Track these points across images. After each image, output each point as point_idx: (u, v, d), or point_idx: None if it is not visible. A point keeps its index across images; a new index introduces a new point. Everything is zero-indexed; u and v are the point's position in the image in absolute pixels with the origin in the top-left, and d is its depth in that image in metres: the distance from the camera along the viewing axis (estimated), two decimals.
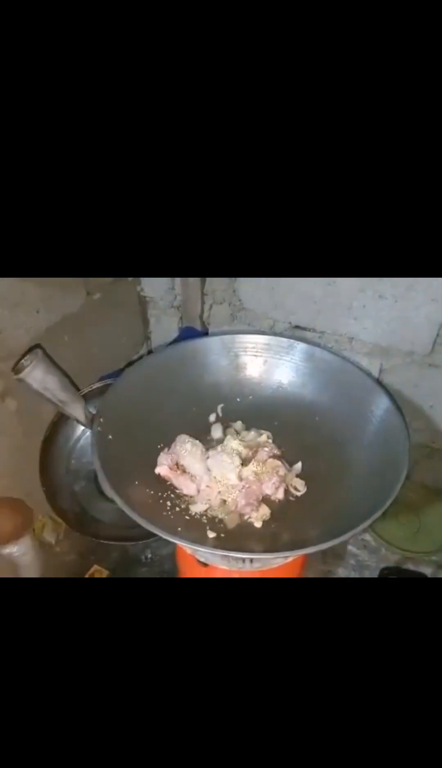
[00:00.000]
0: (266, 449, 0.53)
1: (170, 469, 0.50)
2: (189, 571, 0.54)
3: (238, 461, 0.51)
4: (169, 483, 0.51)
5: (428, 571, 0.80)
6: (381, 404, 0.52)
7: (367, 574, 0.79)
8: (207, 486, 0.49)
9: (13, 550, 0.63)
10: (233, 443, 0.53)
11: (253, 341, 0.62)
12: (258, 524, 0.49)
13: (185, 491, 0.50)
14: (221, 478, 0.50)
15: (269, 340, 0.61)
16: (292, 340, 0.61)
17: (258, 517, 0.49)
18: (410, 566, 0.80)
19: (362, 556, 0.82)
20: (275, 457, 0.53)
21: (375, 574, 0.78)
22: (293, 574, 0.57)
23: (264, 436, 0.56)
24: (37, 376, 0.52)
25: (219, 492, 0.49)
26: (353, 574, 0.79)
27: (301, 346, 0.61)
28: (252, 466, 0.52)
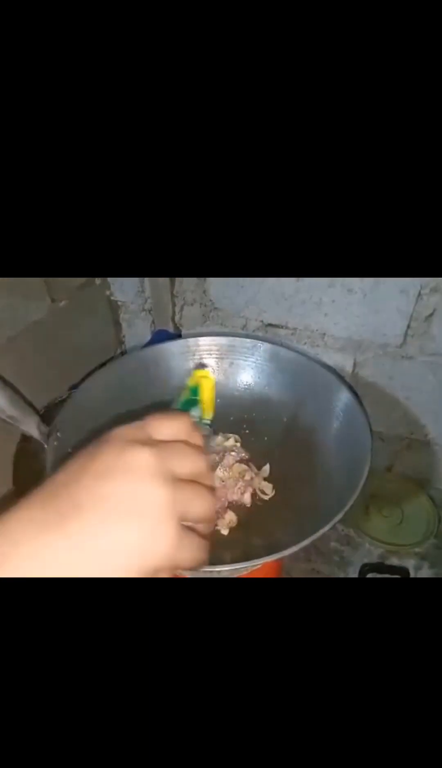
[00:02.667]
0: (233, 453, 0.53)
1: None
2: None
3: None
4: None
5: (411, 563, 0.79)
6: (344, 400, 0.52)
7: (350, 571, 0.78)
8: None
9: None
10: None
11: (217, 343, 0.61)
12: (225, 532, 0.48)
13: None
14: None
15: (233, 342, 0.60)
16: (255, 341, 0.60)
17: (224, 525, 0.48)
18: (395, 560, 0.80)
19: (346, 552, 0.82)
20: (242, 461, 0.53)
21: (358, 570, 0.77)
22: (272, 575, 0.56)
23: (232, 440, 0.55)
24: None
25: None
26: (337, 571, 0.79)
27: (265, 346, 0.60)
28: (218, 472, 0.51)
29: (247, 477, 0.51)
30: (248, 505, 0.51)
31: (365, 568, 0.75)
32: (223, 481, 0.50)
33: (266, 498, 0.52)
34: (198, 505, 0.25)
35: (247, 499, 0.50)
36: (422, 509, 0.86)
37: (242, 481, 0.50)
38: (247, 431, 0.57)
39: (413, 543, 0.81)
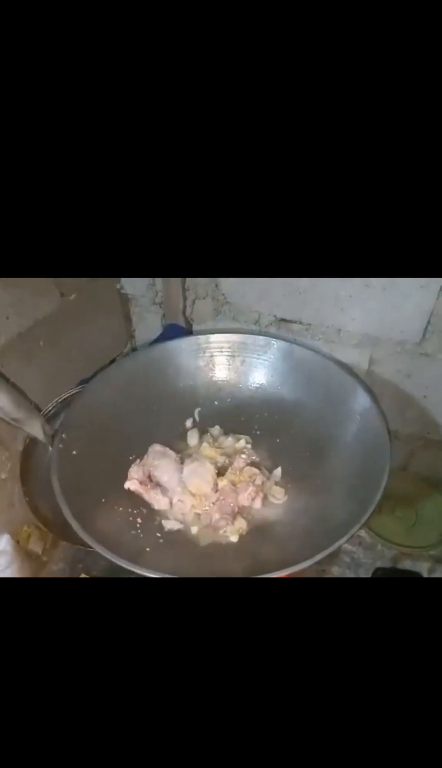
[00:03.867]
0: (243, 456, 0.51)
1: (141, 483, 0.48)
2: None
3: (213, 471, 0.49)
4: (141, 498, 0.49)
5: (425, 567, 0.78)
6: (362, 403, 0.50)
7: (361, 573, 0.77)
8: (179, 500, 0.47)
9: None
10: (208, 451, 0.51)
11: (229, 341, 0.59)
12: (234, 539, 0.47)
13: (156, 506, 0.48)
14: (195, 490, 0.48)
15: (245, 339, 0.59)
16: (269, 338, 0.58)
17: (234, 531, 0.47)
18: (408, 563, 0.78)
19: (358, 553, 0.80)
20: (252, 464, 0.51)
21: (370, 573, 0.76)
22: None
23: (242, 441, 0.54)
24: None
25: (193, 506, 0.47)
26: (348, 573, 0.77)
27: (279, 344, 0.58)
28: (229, 475, 0.49)
29: (258, 481, 0.49)
30: (259, 510, 0.49)
31: (377, 573, 0.73)
32: (233, 485, 0.48)
33: (278, 503, 0.50)
34: None
35: (257, 504, 0.49)
36: (436, 510, 0.84)
37: (252, 486, 0.48)
38: (258, 432, 0.55)
39: (428, 545, 0.79)
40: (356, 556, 0.79)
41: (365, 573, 0.77)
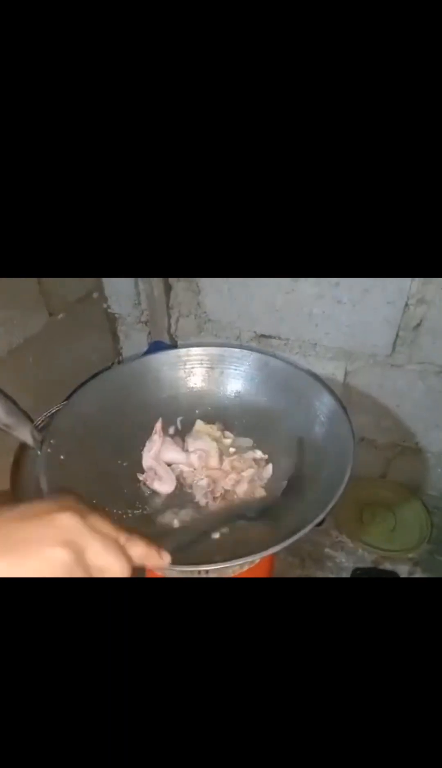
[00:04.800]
0: (257, 454, 0.55)
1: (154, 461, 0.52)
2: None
3: (216, 446, 0.53)
4: (135, 494, 0.52)
5: (404, 569, 0.80)
6: (327, 404, 0.53)
7: (344, 576, 0.79)
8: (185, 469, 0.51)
9: None
10: (204, 428, 0.55)
11: (207, 353, 0.63)
12: (217, 536, 0.50)
13: (164, 489, 0.52)
14: (202, 462, 0.52)
15: (222, 352, 0.62)
16: (245, 351, 0.62)
17: (200, 494, 0.51)
18: (388, 565, 0.81)
19: (340, 558, 0.83)
20: (256, 461, 0.55)
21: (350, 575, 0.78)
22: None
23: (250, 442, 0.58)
24: None
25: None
26: (331, 576, 0.80)
27: (254, 355, 0.62)
28: (233, 459, 0.53)
29: (246, 473, 0.53)
30: (240, 496, 0.52)
31: (357, 572, 0.76)
32: (232, 468, 0.52)
33: (257, 496, 0.53)
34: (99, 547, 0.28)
35: (240, 490, 0.52)
36: (415, 515, 0.87)
37: (234, 473, 0.52)
38: (238, 436, 0.59)
39: (407, 549, 0.82)
40: (338, 561, 0.82)
41: (347, 576, 0.79)
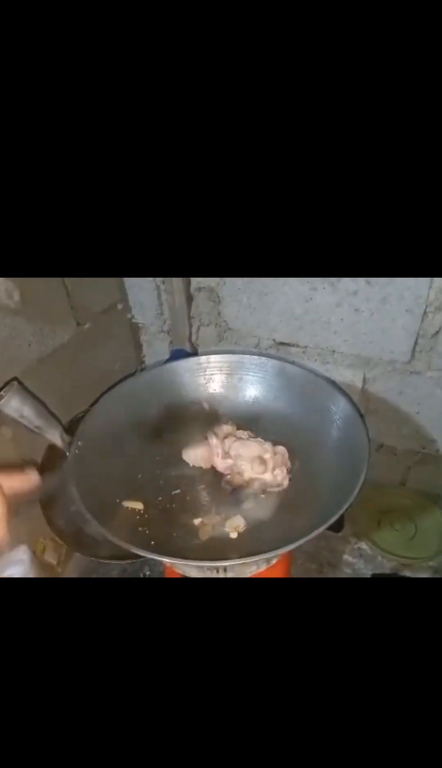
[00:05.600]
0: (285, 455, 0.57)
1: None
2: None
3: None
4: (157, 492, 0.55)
5: (424, 577, 0.80)
6: (343, 409, 0.55)
7: None
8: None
9: (12, 571, 0.66)
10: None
11: (227, 360, 0.65)
12: (234, 536, 0.52)
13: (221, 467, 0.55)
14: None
15: (241, 359, 0.64)
16: (263, 358, 0.64)
17: (233, 528, 0.52)
18: (407, 573, 0.81)
19: (358, 564, 0.83)
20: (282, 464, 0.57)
21: None
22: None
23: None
24: (14, 405, 0.56)
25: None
26: None
27: (272, 362, 0.64)
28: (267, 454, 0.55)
29: (266, 476, 0.54)
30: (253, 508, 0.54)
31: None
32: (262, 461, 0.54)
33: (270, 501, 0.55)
34: None
35: (255, 486, 0.54)
36: (434, 523, 0.87)
37: (261, 468, 0.54)
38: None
39: (426, 557, 0.82)
40: (356, 568, 0.82)
41: None
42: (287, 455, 0.56)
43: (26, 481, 0.38)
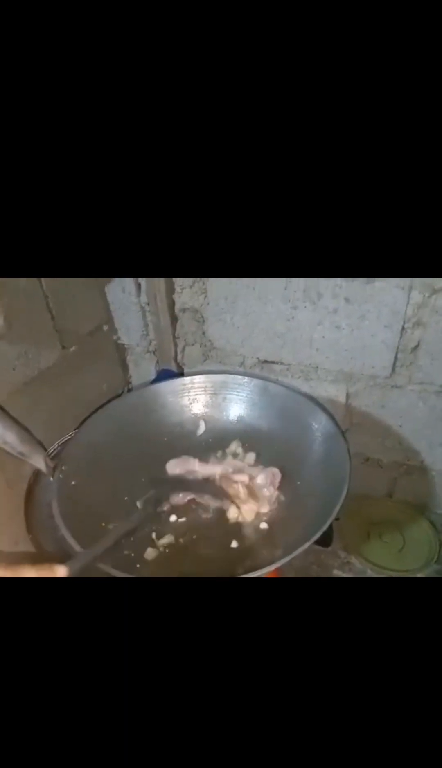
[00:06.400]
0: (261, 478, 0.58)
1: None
2: None
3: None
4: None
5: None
6: (325, 425, 0.56)
7: None
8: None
9: None
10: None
11: (211, 380, 0.66)
12: (235, 544, 0.52)
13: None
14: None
15: (225, 378, 0.66)
16: (246, 378, 0.65)
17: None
18: None
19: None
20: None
21: None
22: None
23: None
24: None
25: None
26: None
27: (255, 381, 0.65)
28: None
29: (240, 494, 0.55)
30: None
31: None
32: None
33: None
34: None
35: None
36: (423, 534, 0.88)
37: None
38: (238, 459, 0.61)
39: (415, 569, 0.82)
40: None
41: None
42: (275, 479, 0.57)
43: (53, 575, 0.39)
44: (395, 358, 0.81)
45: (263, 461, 0.61)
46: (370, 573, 0.83)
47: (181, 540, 0.54)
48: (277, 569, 0.47)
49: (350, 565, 0.84)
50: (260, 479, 0.56)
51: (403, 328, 0.78)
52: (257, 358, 0.90)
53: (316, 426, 0.58)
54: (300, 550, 0.43)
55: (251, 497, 0.55)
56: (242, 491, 0.55)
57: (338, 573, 0.83)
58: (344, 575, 0.83)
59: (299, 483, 0.57)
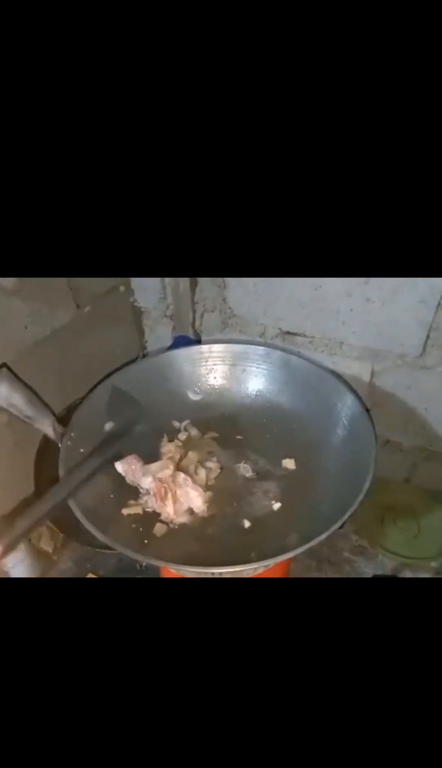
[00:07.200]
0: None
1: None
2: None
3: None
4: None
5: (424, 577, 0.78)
6: (350, 406, 0.52)
7: None
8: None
9: (5, 560, 0.65)
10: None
11: (230, 350, 0.62)
12: (247, 524, 0.50)
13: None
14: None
15: (245, 349, 0.62)
16: (268, 348, 0.61)
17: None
18: (408, 573, 0.79)
19: (358, 562, 0.81)
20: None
21: None
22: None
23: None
24: (2, 393, 0.54)
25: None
26: None
27: (276, 354, 0.61)
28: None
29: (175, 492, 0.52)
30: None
31: None
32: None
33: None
34: None
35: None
36: (439, 523, 0.85)
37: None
38: (257, 435, 0.58)
39: (429, 557, 0.80)
40: (356, 566, 0.80)
41: None
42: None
43: None
44: (427, 337, 0.76)
45: (279, 441, 0.58)
46: (382, 558, 0.81)
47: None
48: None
49: (361, 549, 0.82)
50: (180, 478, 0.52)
51: (439, 304, 0.73)
52: (279, 329, 0.85)
53: (340, 406, 0.54)
54: (316, 541, 0.40)
55: (173, 498, 0.51)
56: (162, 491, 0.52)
57: (348, 556, 0.81)
58: (355, 558, 0.81)
59: (318, 467, 0.53)
